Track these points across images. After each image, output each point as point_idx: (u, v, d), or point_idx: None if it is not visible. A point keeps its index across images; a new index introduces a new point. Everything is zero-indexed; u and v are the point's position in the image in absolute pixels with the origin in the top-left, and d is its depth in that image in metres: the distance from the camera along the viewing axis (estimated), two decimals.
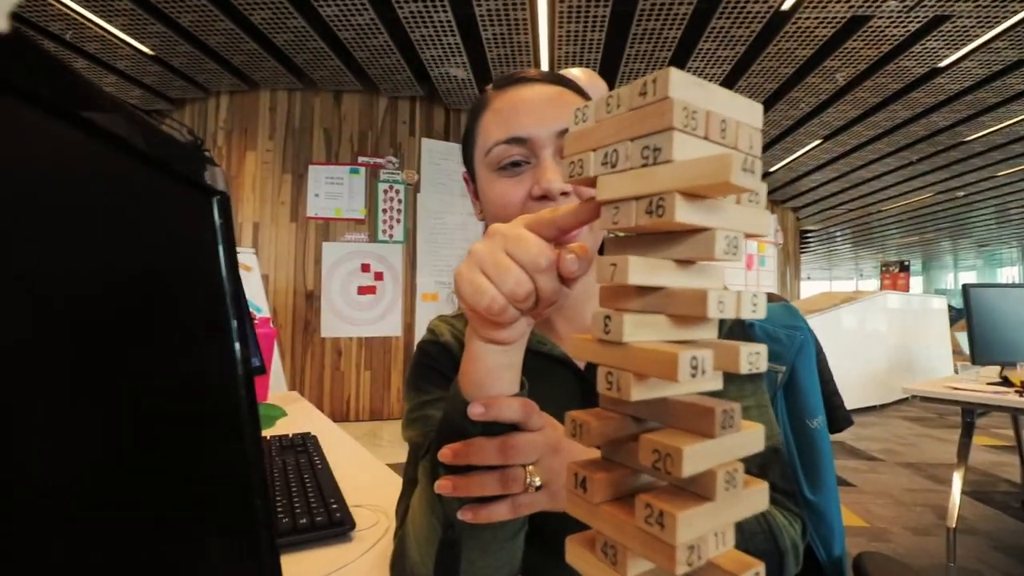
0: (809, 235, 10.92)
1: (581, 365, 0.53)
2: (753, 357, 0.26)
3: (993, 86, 3.86)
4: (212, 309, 0.28)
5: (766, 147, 5.18)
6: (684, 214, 0.23)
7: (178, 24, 3.22)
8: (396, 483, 0.80)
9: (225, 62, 3.72)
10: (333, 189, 3.99)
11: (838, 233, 10.91)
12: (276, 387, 2.65)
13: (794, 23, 3.07)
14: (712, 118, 0.24)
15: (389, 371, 4.16)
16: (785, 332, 0.69)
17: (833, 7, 2.92)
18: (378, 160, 4.15)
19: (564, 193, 0.48)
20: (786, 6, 2.90)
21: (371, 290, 4.03)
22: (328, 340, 4.01)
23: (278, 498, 0.66)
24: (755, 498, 0.26)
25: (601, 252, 0.54)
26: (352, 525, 0.60)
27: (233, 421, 0.29)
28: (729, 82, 3.86)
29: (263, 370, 1.29)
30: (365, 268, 4.03)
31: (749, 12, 2.97)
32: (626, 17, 3.04)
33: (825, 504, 0.68)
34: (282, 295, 3.94)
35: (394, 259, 4.12)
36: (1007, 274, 13.85)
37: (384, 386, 4.15)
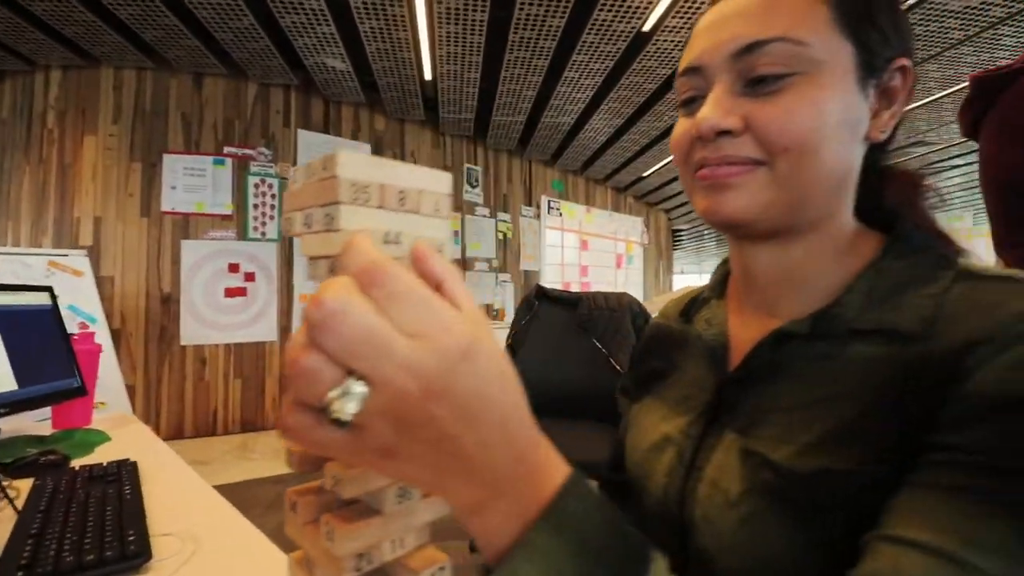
0: (681, 234, 12.00)
1: (731, 357, 0.44)
2: None
3: None
4: None
5: (639, 154, 5.61)
6: None
7: None
8: (219, 507, 0.78)
9: (55, 32, 3.23)
10: (193, 181, 3.64)
11: (706, 232, 12.13)
12: (118, 406, 2.39)
13: (654, 44, 3.36)
14: (388, 190, 0.28)
15: (263, 378, 3.90)
16: None
17: (686, 32, 3.24)
18: (247, 151, 3.85)
19: (723, 132, 0.37)
20: (647, 27, 3.17)
21: (241, 292, 3.75)
22: (189, 348, 3.66)
23: (68, 535, 0.61)
24: (433, 507, 0.31)
25: None
26: (148, 556, 0.58)
27: None
28: (602, 93, 4.13)
29: (84, 391, 1.17)
30: (233, 268, 3.74)
31: (615, 31, 3.20)
32: (503, 24, 3.12)
33: None
34: (132, 299, 3.52)
35: (268, 258, 3.86)
36: None
37: (258, 395, 3.89)
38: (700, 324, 0.48)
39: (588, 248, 6.03)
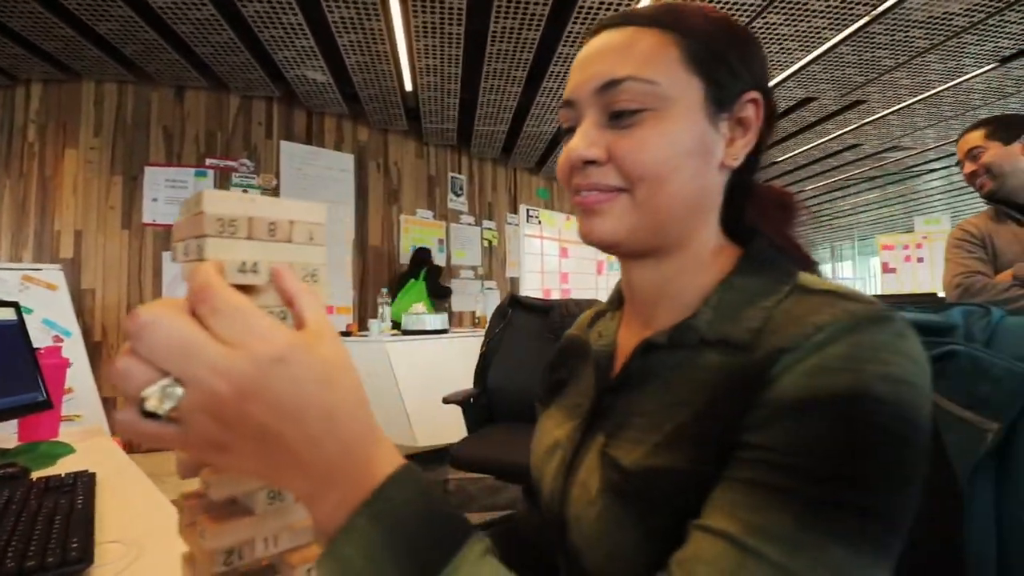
0: None
1: (614, 367, 0.47)
2: None
3: (790, 118, 4.61)
4: None
5: None
6: None
7: None
8: (170, 517, 0.80)
9: (34, 47, 3.24)
10: (175, 193, 3.66)
11: None
12: (95, 418, 2.39)
13: None
14: (256, 222, 0.31)
15: None
16: (1009, 367, 0.44)
17: None
18: (230, 163, 3.88)
19: (590, 162, 0.41)
20: None
21: None
22: None
23: (14, 543, 0.64)
24: (303, 509, 0.34)
25: None
26: (89, 562, 0.61)
27: None
28: None
29: (49, 404, 1.18)
30: None
31: None
32: (480, 37, 3.18)
33: None
34: (113, 312, 3.52)
35: None
36: (822, 271, 16.62)
37: None
38: (593, 335, 0.52)
39: (568, 255, 6.08)
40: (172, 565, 0.66)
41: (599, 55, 0.41)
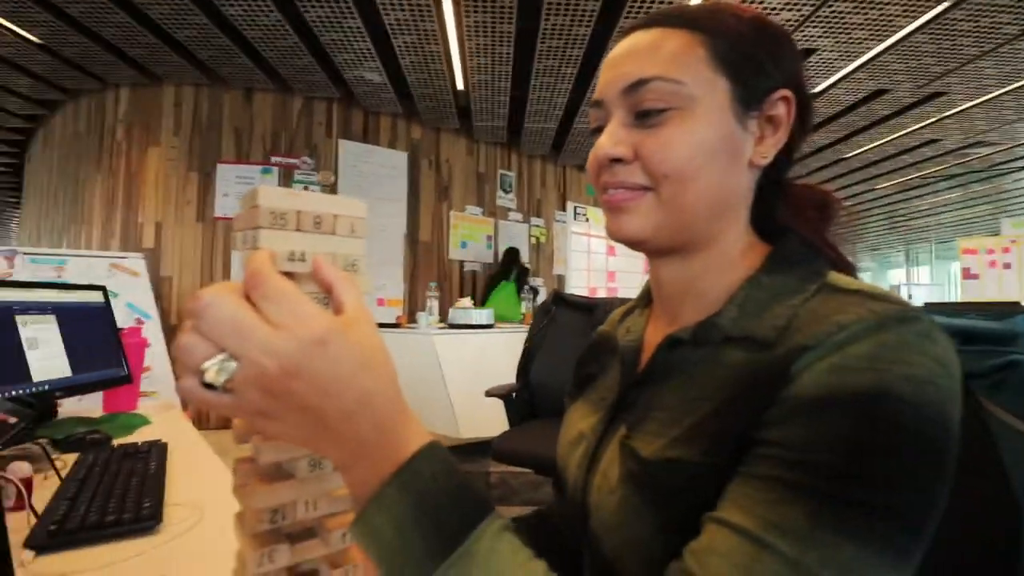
0: None
1: (640, 362, 0.48)
2: None
3: (859, 111, 4.35)
4: None
5: None
6: None
7: (67, 14, 3.04)
8: (230, 484, 0.87)
9: (122, 54, 3.54)
10: (243, 189, 3.89)
11: None
12: (169, 395, 2.60)
13: None
14: (304, 216, 0.35)
15: None
16: None
17: None
18: (292, 160, 4.08)
19: (617, 160, 0.41)
20: None
21: None
22: None
23: (96, 500, 0.72)
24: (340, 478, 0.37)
25: None
26: (158, 520, 0.67)
27: None
28: None
29: (129, 379, 1.30)
30: None
31: None
32: (531, 35, 3.19)
33: None
34: (188, 298, 3.79)
35: None
36: (895, 275, 15.44)
37: None
38: (621, 331, 0.53)
39: (615, 253, 5.99)
40: (231, 528, 0.72)
41: (628, 55, 0.42)
